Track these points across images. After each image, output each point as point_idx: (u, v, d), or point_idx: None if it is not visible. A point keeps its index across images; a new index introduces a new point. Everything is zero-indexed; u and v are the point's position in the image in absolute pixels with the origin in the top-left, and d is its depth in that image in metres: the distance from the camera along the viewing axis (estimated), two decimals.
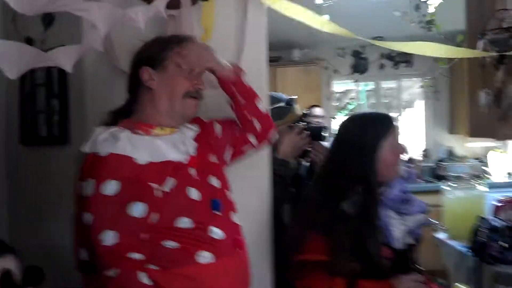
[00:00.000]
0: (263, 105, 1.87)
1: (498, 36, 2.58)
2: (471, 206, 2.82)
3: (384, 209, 1.82)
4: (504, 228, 2.53)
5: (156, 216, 1.48)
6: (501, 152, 5.37)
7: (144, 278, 1.42)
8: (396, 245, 1.83)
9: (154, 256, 1.47)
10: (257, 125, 1.83)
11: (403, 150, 1.88)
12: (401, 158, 1.88)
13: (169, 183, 1.52)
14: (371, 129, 1.83)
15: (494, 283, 2.49)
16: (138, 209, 1.45)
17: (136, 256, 1.43)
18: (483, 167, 5.48)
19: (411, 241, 1.89)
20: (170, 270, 1.47)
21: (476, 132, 3.06)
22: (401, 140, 1.86)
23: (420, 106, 6.05)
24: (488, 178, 5.29)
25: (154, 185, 1.49)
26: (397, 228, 1.84)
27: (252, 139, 1.85)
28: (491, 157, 5.43)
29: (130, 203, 1.45)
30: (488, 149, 5.47)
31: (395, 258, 1.83)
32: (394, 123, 1.85)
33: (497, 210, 2.84)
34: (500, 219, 2.65)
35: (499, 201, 2.90)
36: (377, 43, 2.17)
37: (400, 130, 1.88)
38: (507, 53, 2.48)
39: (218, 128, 1.81)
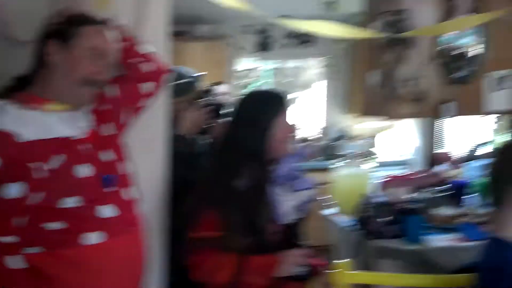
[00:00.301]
0: (148, 48, 1.83)
1: (391, 18, 2.75)
2: (358, 183, 3.00)
3: (274, 185, 1.89)
4: (388, 203, 2.72)
5: (37, 196, 1.43)
6: (391, 131, 5.72)
7: (15, 262, 1.39)
8: (284, 220, 1.92)
9: (35, 238, 1.42)
10: (146, 67, 1.79)
11: (294, 128, 1.96)
12: (292, 136, 1.95)
13: (56, 161, 1.47)
14: (264, 106, 1.88)
15: (377, 257, 2.67)
16: (13, 190, 1.40)
17: (8, 239, 1.39)
18: (375, 146, 5.81)
19: (298, 217, 1.99)
20: (52, 253, 1.44)
21: (368, 111, 3.24)
22: (297, 118, 1.93)
23: (321, 85, 6.25)
24: (378, 156, 5.62)
25: (36, 164, 1.44)
26: (286, 204, 1.92)
27: (145, 87, 1.80)
28: (382, 136, 5.77)
29: (4, 184, 1.39)
30: (381, 128, 5.79)
31: (283, 233, 1.92)
32: (286, 101, 1.90)
33: (383, 186, 3.05)
34: (385, 195, 2.85)
35: (386, 178, 3.11)
36: (278, 21, 2.20)
37: (293, 108, 1.94)
38: (398, 35, 2.65)
39: (113, 90, 1.74)
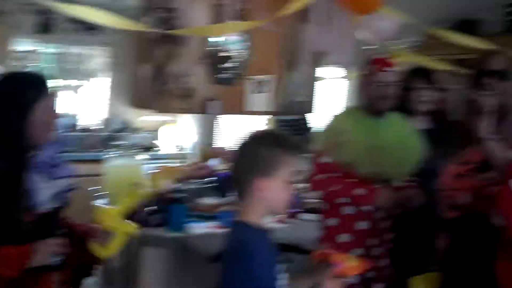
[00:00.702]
0: None
1: (162, 14, 2.86)
2: (129, 174, 3.05)
3: (31, 172, 1.82)
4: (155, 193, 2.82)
5: None
6: (172, 125, 5.88)
7: None
8: (41, 209, 1.86)
9: None
10: None
11: (57, 114, 1.91)
12: (54, 122, 1.90)
13: None
14: (23, 89, 1.79)
15: (141, 246, 2.74)
16: None
17: None
18: (156, 139, 5.90)
19: (57, 205, 1.95)
20: None
21: (139, 104, 3.31)
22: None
23: (105, 75, 6.12)
24: (158, 149, 5.74)
25: None
26: (44, 192, 1.87)
27: None
28: (163, 129, 5.90)
29: None
30: (163, 122, 5.90)
31: (40, 222, 1.87)
32: (48, 85, 1.84)
33: (153, 177, 3.14)
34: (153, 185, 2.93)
35: (156, 169, 3.22)
36: (53, 4, 2.12)
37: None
38: (168, 32, 2.76)
39: None
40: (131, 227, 1.87)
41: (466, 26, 5.36)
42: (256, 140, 1.65)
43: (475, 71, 2.17)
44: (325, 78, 4.66)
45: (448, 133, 2.70)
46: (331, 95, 5.84)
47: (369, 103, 2.57)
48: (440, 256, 2.29)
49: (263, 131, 1.70)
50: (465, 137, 2.11)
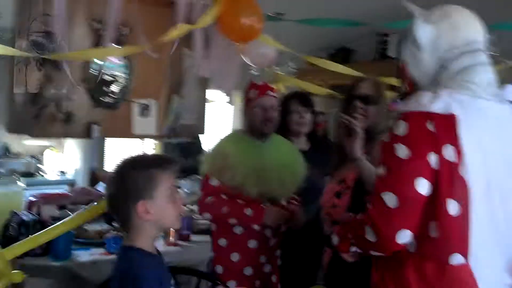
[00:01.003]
0: None
1: (39, 39, 2.78)
2: (8, 201, 2.90)
3: None
4: (34, 222, 2.69)
5: None
6: (56, 151, 5.63)
7: None
8: None
9: None
10: None
11: None
12: None
13: None
14: None
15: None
16: None
17: None
18: (38, 165, 5.62)
19: None
20: None
21: (14, 128, 3.18)
22: None
23: None
24: (42, 175, 5.45)
25: None
26: None
27: None
28: (47, 154, 5.63)
29: None
30: (46, 146, 5.64)
31: None
32: None
33: (30, 205, 3.01)
34: (31, 213, 2.80)
35: (34, 196, 3.07)
36: None
37: None
38: (45, 56, 2.69)
39: None
40: (18, 275, 1.77)
41: (343, 53, 5.77)
42: (127, 167, 1.65)
43: (347, 95, 2.34)
44: (215, 101, 4.75)
45: (324, 153, 2.88)
46: (222, 117, 5.96)
47: (252, 126, 2.67)
48: (325, 271, 2.41)
49: (130, 156, 1.70)
50: (340, 157, 2.27)
